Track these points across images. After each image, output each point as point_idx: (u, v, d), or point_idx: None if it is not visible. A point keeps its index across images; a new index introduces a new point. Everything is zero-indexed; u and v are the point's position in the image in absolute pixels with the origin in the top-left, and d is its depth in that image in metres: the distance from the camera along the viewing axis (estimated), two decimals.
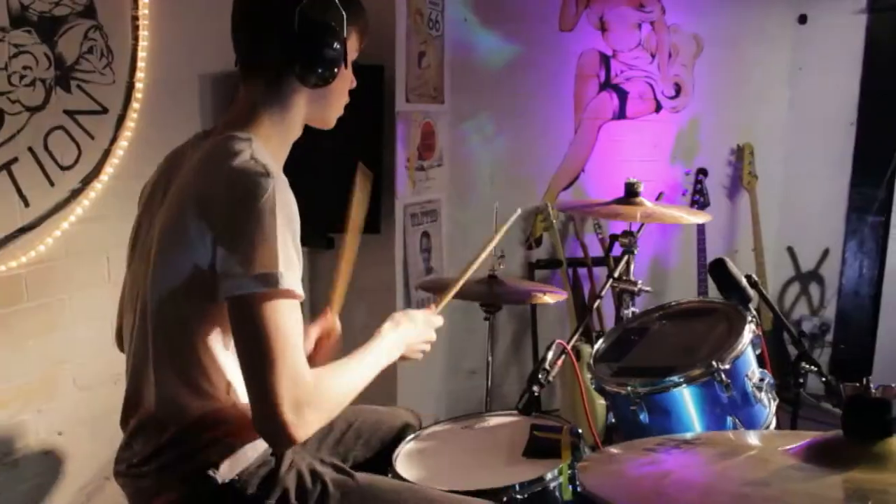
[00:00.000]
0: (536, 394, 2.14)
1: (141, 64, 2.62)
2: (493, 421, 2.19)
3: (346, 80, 1.65)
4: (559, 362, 2.22)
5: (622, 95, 4.12)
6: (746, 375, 1.91)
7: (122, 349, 1.75)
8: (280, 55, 1.52)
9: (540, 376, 2.15)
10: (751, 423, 1.91)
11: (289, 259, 1.38)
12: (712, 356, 1.87)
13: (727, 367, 1.84)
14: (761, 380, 1.91)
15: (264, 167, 1.42)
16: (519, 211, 2.22)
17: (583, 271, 4.01)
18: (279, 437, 1.37)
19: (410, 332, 1.74)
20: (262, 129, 1.55)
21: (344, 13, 1.54)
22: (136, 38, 2.61)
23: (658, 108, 4.19)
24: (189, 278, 1.44)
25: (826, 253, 4.38)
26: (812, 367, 2.23)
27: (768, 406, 1.97)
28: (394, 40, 3.31)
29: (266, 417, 1.36)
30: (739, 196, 4.36)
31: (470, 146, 3.90)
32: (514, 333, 4.08)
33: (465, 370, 4.00)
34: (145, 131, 2.66)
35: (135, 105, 2.62)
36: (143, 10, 2.61)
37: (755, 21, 4.27)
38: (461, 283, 2.04)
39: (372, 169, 3.25)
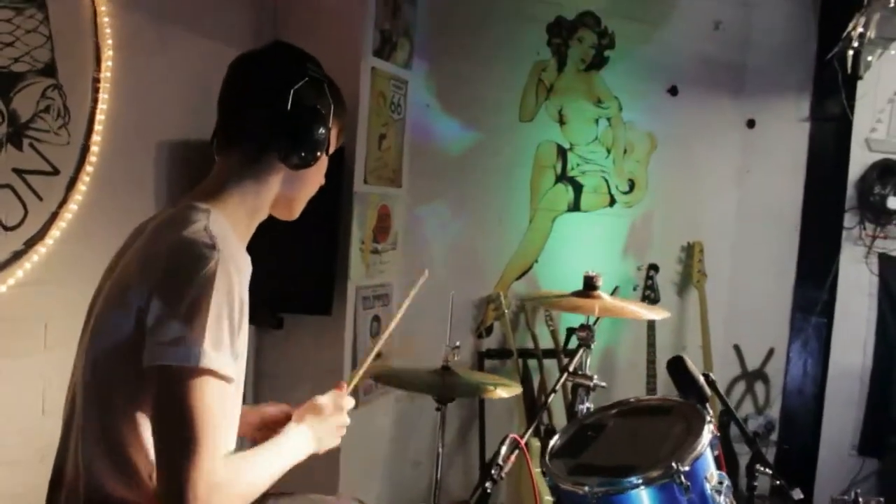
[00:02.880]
0: (489, 491, 2.08)
1: (98, 127, 2.56)
2: None
3: (320, 171, 1.64)
4: (512, 458, 2.16)
5: (577, 188, 4.18)
6: (705, 478, 1.88)
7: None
8: (267, 130, 1.51)
9: (493, 472, 2.09)
10: None
11: (218, 338, 1.33)
12: (672, 457, 1.83)
13: (687, 468, 1.80)
14: (720, 482, 1.87)
15: (212, 238, 1.38)
16: (427, 272, 2.17)
17: (532, 363, 3.97)
18: None
19: (318, 425, 1.64)
20: (228, 202, 1.52)
21: (332, 104, 1.57)
22: (95, 101, 2.54)
23: (612, 202, 4.25)
24: (122, 341, 1.38)
25: (771, 352, 4.43)
26: (766, 469, 2.21)
27: None
28: (356, 119, 3.31)
29: (171, 498, 1.28)
30: (688, 293, 4.41)
31: (425, 231, 3.89)
32: (461, 423, 4.00)
33: (409, 461, 3.88)
34: (97, 196, 2.57)
35: (88, 168, 2.54)
36: (106, 73, 2.56)
37: (707, 123, 4.41)
38: (370, 358, 1.95)
39: (326, 249, 3.25)
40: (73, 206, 2.50)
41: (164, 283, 1.34)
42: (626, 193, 4.28)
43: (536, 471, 2.16)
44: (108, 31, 2.54)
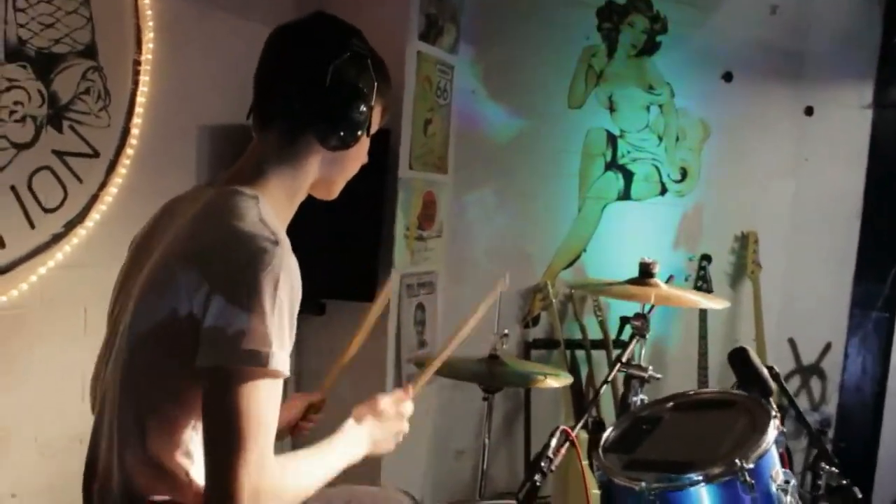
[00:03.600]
0: (539, 484, 1.98)
1: (139, 109, 2.52)
2: None
3: (362, 151, 1.56)
4: (562, 450, 2.07)
5: (628, 176, 4.05)
6: (770, 476, 1.76)
7: (93, 410, 1.60)
8: (303, 109, 1.43)
9: (542, 465, 2.00)
10: None
11: (282, 337, 1.27)
12: (735, 453, 1.72)
13: (751, 466, 1.69)
14: (786, 481, 1.75)
15: (273, 233, 1.31)
16: (507, 278, 2.08)
17: (580, 354, 3.86)
18: None
19: (376, 429, 1.57)
20: (269, 186, 1.44)
21: (375, 81, 1.47)
22: (135, 83, 2.51)
23: (664, 191, 4.12)
24: (167, 335, 1.31)
25: (828, 347, 4.26)
26: (832, 467, 2.08)
27: None
28: (401, 104, 3.23)
29: (219, 500, 1.22)
30: (741, 284, 4.26)
31: (471, 219, 3.80)
32: (506, 415, 3.90)
33: (452, 450, 3.80)
34: (137, 179, 2.53)
35: (128, 151, 2.50)
36: (147, 55, 2.52)
37: (762, 110, 4.25)
38: (439, 362, 1.87)
39: (370, 235, 3.18)
40: (112, 189, 2.48)
41: (225, 279, 1.27)
42: (677, 182, 4.14)
43: (585, 463, 2.06)
44: (148, 12, 2.50)
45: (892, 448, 3.98)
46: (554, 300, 3.83)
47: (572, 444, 2.04)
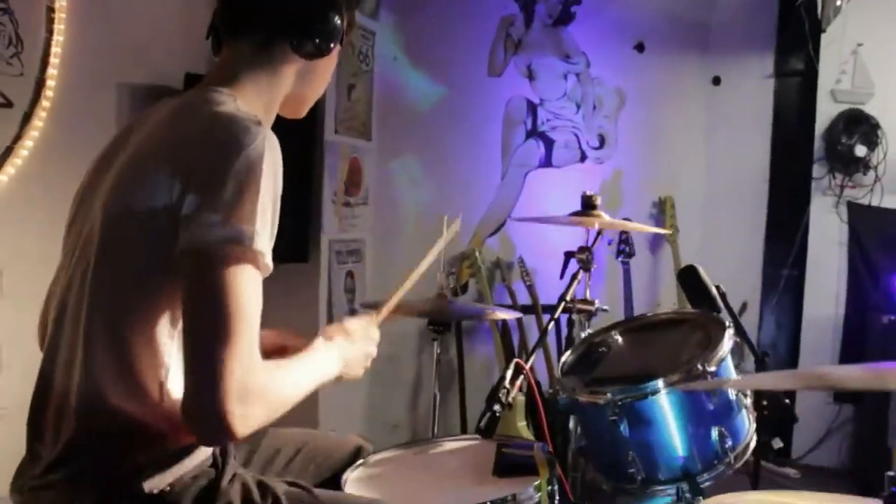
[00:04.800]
0: (498, 414, 1.96)
1: (54, 60, 2.38)
2: (450, 445, 1.98)
3: (331, 65, 1.53)
4: (518, 383, 2.06)
5: (549, 144, 4.09)
6: None
7: (42, 343, 1.50)
8: (279, 17, 1.39)
9: (500, 395, 1.98)
10: (736, 435, 1.77)
11: (264, 220, 1.19)
12: (695, 360, 1.74)
13: (713, 368, 1.71)
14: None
15: (254, 116, 1.27)
16: (459, 220, 2.04)
17: (511, 321, 3.87)
18: (215, 427, 1.14)
19: (346, 349, 1.51)
20: (245, 91, 1.39)
21: None
22: (50, 31, 2.37)
23: (583, 157, 4.18)
24: (144, 229, 1.23)
25: (745, 306, 4.41)
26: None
27: (749, 420, 1.85)
28: None
29: (204, 400, 1.13)
30: (661, 249, 4.36)
31: (396, 186, 3.76)
32: (441, 383, 3.86)
33: (388, 423, 3.75)
34: (54, 134, 2.39)
35: (44, 103, 2.36)
36: (61, 2, 2.38)
37: (673, 80, 4.37)
38: (397, 298, 1.80)
39: (299, 199, 3.10)
40: (28, 143, 2.33)
41: (205, 161, 1.20)
42: (596, 149, 4.21)
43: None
44: None
45: (809, 397, 4.14)
46: (482, 266, 3.82)
47: (526, 375, 2.03)
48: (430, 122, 3.81)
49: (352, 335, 1.54)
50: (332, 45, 1.43)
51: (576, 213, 2.30)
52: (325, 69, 1.50)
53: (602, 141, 4.23)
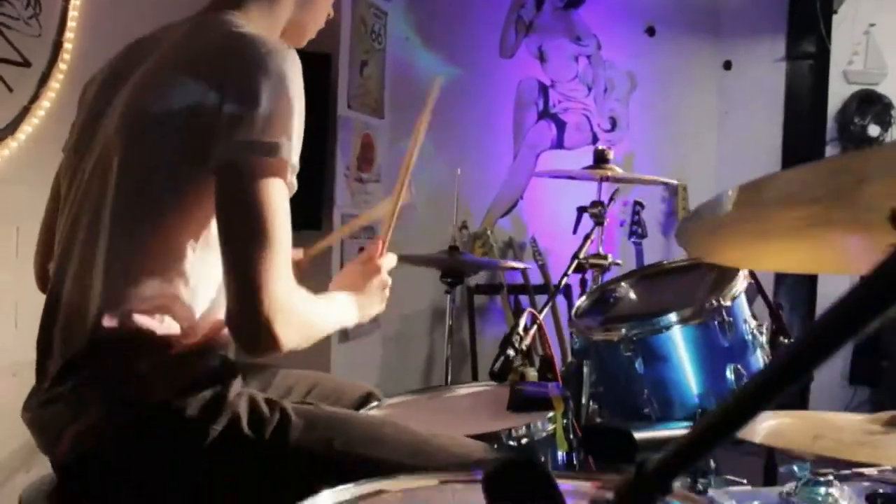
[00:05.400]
0: (511, 358, 1.96)
1: (71, 24, 2.40)
2: (464, 390, 1.98)
3: None
4: (531, 333, 2.06)
5: (560, 125, 4.10)
6: (745, 320, 1.78)
7: (41, 289, 1.50)
8: None
9: (514, 341, 1.98)
10: (751, 374, 1.76)
11: (293, 132, 1.21)
12: (710, 296, 1.74)
13: (728, 303, 1.70)
14: (760, 324, 1.78)
15: (273, 39, 1.28)
16: (441, 79, 1.96)
17: (523, 298, 3.87)
18: (260, 334, 1.15)
19: (358, 295, 1.49)
20: (250, 15, 1.40)
21: None
22: None
23: (594, 139, 4.18)
24: (171, 135, 1.24)
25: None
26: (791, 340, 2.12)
27: (765, 361, 1.83)
28: (338, 43, 3.20)
29: (247, 307, 1.15)
30: (673, 231, 4.36)
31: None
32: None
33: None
34: (71, 95, 2.40)
35: (61, 66, 2.38)
36: None
37: (684, 65, 4.38)
38: (398, 203, 1.75)
39: (311, 172, 3.12)
40: (45, 103, 2.35)
41: (239, 73, 1.22)
42: (608, 132, 4.22)
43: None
44: None
45: (823, 379, 4.11)
46: (494, 246, 3.83)
47: (539, 326, 2.04)
48: (442, 102, 3.76)
49: (363, 274, 1.52)
50: None
51: (588, 168, 2.30)
52: (323, 1, 1.51)
53: (613, 124, 4.24)
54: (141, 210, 1.26)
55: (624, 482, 0.53)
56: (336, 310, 1.41)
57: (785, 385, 0.48)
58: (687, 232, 0.92)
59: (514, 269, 2.36)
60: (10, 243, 2.31)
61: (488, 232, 3.83)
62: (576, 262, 2.36)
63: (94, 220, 1.29)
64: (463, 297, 3.87)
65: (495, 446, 1.51)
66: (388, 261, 1.60)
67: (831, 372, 4.17)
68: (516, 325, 2.04)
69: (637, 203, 4.17)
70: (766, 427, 1.26)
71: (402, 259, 2.08)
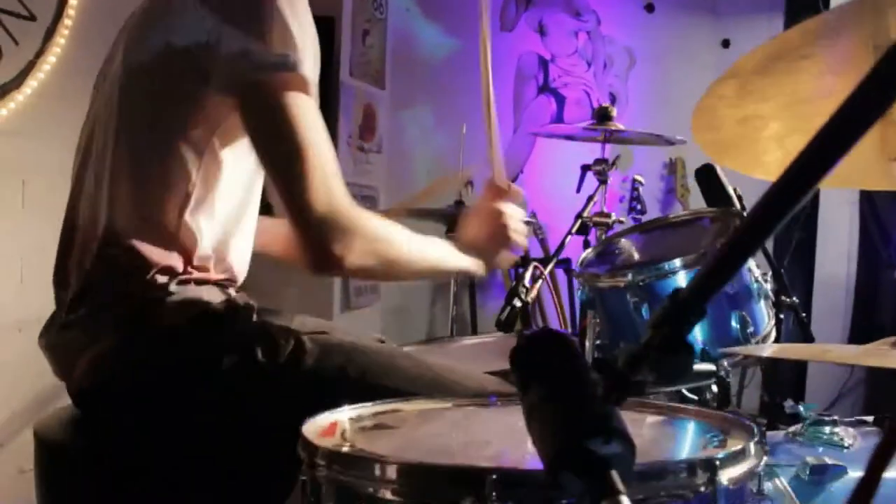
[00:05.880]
0: (517, 309, 1.98)
1: None
2: (470, 340, 2.00)
3: None
4: (536, 287, 2.09)
5: (560, 100, 4.12)
6: (748, 269, 1.80)
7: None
8: None
9: (519, 292, 2.00)
10: (756, 322, 1.78)
11: (305, 46, 1.19)
12: (715, 242, 1.76)
13: None
14: (764, 274, 1.80)
15: None
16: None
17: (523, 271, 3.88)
18: (318, 252, 1.17)
19: (481, 250, 1.43)
20: None
21: None
22: None
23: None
24: (170, 62, 1.24)
25: None
26: (790, 298, 2.14)
27: (769, 311, 1.85)
28: (341, 11, 3.20)
29: (301, 227, 1.16)
30: (672, 208, 4.38)
31: (409, 137, 3.78)
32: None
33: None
34: (76, 50, 2.41)
35: (66, 21, 2.38)
36: None
37: (683, 42, 4.40)
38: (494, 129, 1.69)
39: None
40: (51, 58, 2.35)
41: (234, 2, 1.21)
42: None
43: None
44: None
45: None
46: None
47: (544, 279, 2.06)
48: (443, 74, 3.83)
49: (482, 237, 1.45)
50: None
51: (589, 126, 2.31)
52: None
53: (613, 99, 4.25)
54: (143, 138, 1.27)
55: (659, 311, 0.54)
56: (439, 249, 1.35)
57: (805, 185, 0.49)
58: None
59: None
60: (15, 195, 2.31)
61: None
62: (579, 221, 2.37)
63: (102, 151, 1.30)
64: (460, 280, 3.88)
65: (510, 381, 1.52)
66: (513, 206, 1.49)
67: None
68: (522, 276, 2.06)
69: (636, 179, 4.18)
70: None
71: (408, 213, 2.10)
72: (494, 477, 0.73)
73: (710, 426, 0.96)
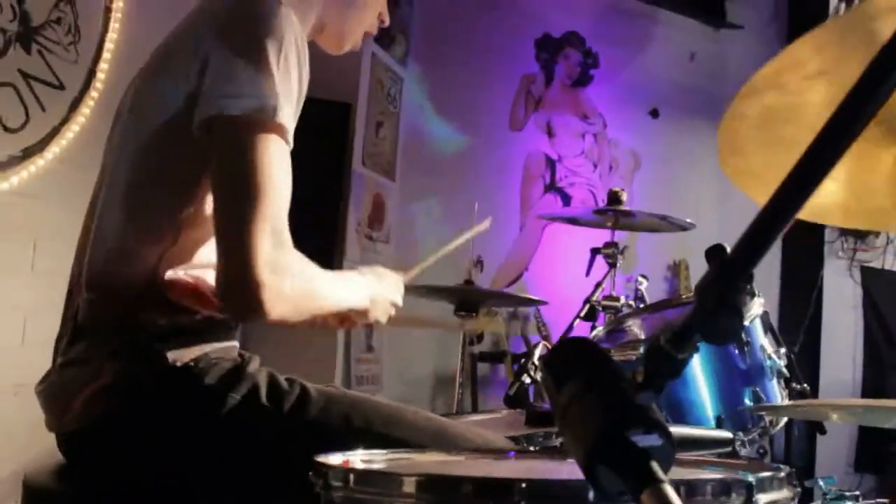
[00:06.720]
0: (526, 385, 1.96)
1: (107, 55, 2.49)
2: (477, 417, 1.96)
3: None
4: None
5: (566, 199, 4.18)
6: (761, 346, 1.79)
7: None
8: None
9: (529, 369, 1.98)
10: (769, 399, 1.76)
11: (288, 94, 1.18)
12: None
13: (746, 323, 1.71)
14: (777, 349, 1.79)
15: (275, 2, 1.24)
16: (490, 221, 2.09)
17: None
18: (247, 296, 1.10)
19: (375, 285, 1.44)
20: None
21: None
22: (105, 28, 2.49)
23: None
24: (160, 104, 1.23)
25: None
26: (802, 385, 2.11)
27: (781, 390, 1.83)
28: (356, 101, 3.31)
29: (235, 267, 1.11)
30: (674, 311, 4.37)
31: (417, 228, 3.82)
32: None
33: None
34: (100, 122, 2.46)
35: (93, 92, 2.45)
36: (119, 3, 2.52)
37: (687, 147, 4.51)
38: (432, 260, 1.80)
39: (323, 225, 3.16)
40: (75, 127, 2.41)
41: (225, 34, 1.21)
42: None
43: None
44: None
45: (828, 467, 4.05)
46: (498, 314, 3.83)
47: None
48: (453, 169, 3.91)
49: (382, 277, 1.48)
50: None
51: (599, 211, 2.35)
52: (370, 5, 1.46)
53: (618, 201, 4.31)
54: (144, 177, 1.26)
55: (706, 276, 0.54)
56: (342, 286, 1.34)
57: (837, 147, 0.50)
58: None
59: (528, 300, 2.35)
60: (26, 257, 2.32)
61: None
62: (588, 306, 2.37)
63: (108, 193, 1.30)
64: (466, 365, 3.84)
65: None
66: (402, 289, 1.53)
67: (836, 458, 4.11)
68: (531, 353, 2.04)
69: (639, 280, 4.20)
70: None
71: (417, 290, 2.09)
72: (524, 485, 0.70)
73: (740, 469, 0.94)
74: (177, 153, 1.23)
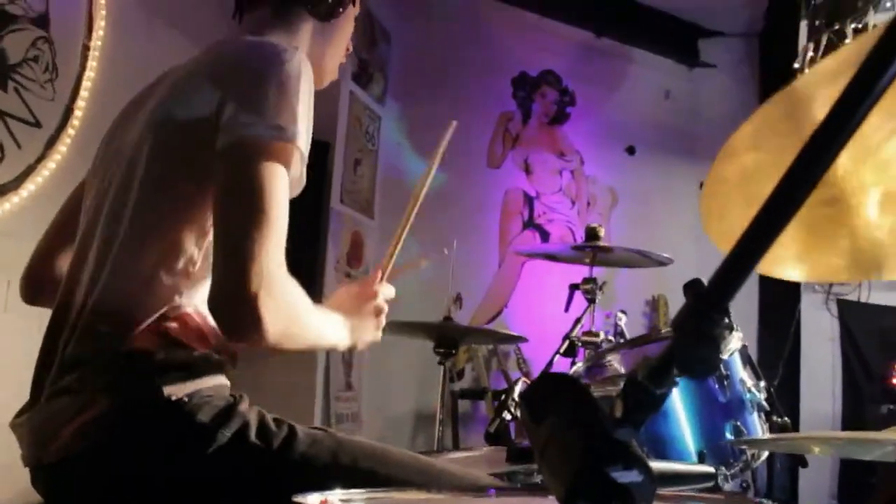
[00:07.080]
0: (507, 422, 1.95)
1: (84, 93, 2.49)
2: (456, 454, 1.94)
3: (348, 28, 1.58)
4: None
5: (544, 236, 4.20)
6: (741, 380, 1.79)
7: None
8: None
9: (509, 405, 1.98)
10: (750, 433, 1.76)
11: (308, 129, 1.22)
12: None
13: (724, 356, 1.72)
14: (757, 383, 1.79)
15: (290, 47, 1.30)
16: (455, 123, 1.96)
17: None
18: (243, 314, 1.10)
19: (349, 317, 1.43)
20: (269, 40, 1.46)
21: None
22: (83, 67, 2.49)
23: None
24: (182, 140, 1.25)
25: None
26: (782, 418, 2.12)
27: (761, 423, 1.83)
28: (335, 139, 3.32)
29: (232, 285, 1.11)
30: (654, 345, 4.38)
31: (395, 266, 3.81)
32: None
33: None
34: (76, 160, 2.46)
35: (70, 131, 2.45)
36: (97, 42, 2.52)
37: (664, 184, 4.56)
38: (402, 238, 1.75)
39: (302, 264, 3.15)
40: (51, 164, 2.40)
41: (245, 73, 1.24)
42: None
43: None
44: (102, 1, 2.53)
45: (810, 499, 4.04)
46: (479, 353, 3.82)
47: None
48: (431, 206, 3.88)
49: (355, 299, 1.48)
50: (344, 4, 1.48)
51: (578, 247, 2.36)
52: (341, 33, 1.54)
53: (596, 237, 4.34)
54: (150, 215, 1.26)
55: (682, 310, 0.54)
56: (328, 322, 1.35)
57: (820, 162, 0.50)
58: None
59: (510, 336, 2.35)
60: None
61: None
62: (567, 342, 2.37)
63: (107, 227, 1.29)
64: (446, 402, 3.82)
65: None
66: (387, 290, 1.58)
67: (818, 491, 4.11)
68: (511, 389, 2.04)
69: (618, 315, 4.21)
70: None
71: (396, 328, 2.07)
72: None
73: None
74: (194, 190, 1.24)
